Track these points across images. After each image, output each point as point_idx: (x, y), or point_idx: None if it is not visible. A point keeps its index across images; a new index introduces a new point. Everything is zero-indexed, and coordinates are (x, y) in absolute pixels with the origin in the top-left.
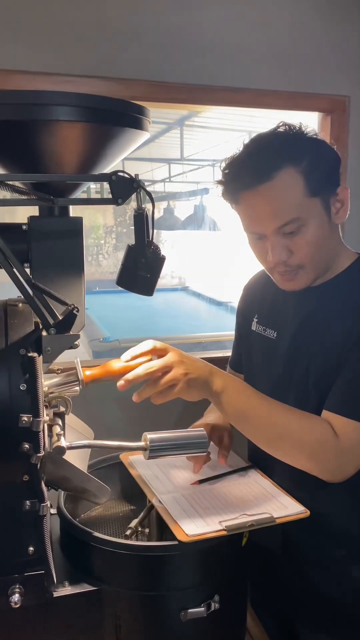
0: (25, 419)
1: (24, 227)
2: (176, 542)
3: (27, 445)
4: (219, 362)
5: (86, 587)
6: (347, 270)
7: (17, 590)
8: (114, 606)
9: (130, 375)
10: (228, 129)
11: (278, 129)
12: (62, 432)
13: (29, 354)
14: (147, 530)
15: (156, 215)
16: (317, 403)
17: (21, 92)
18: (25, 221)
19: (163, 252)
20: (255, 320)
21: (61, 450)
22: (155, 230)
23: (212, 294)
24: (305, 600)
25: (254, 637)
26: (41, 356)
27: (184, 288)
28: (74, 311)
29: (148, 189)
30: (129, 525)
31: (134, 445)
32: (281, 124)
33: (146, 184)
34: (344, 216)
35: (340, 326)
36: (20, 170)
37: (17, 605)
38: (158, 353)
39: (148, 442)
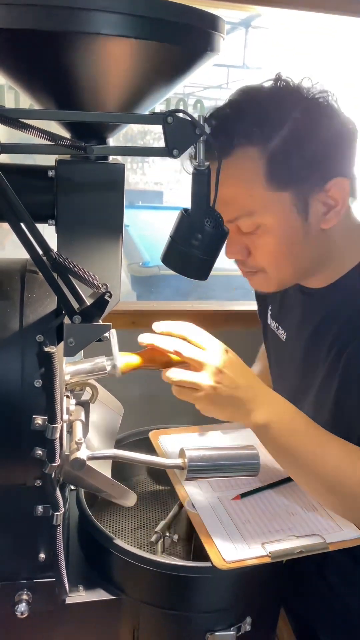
0: (39, 421)
1: (50, 173)
2: (209, 565)
3: (40, 452)
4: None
5: (103, 595)
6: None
7: (25, 597)
8: (133, 620)
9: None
10: (300, 35)
11: (265, 85)
12: (82, 439)
13: (47, 349)
14: (175, 536)
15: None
16: (333, 419)
17: None
18: (53, 165)
19: None
20: (269, 312)
21: (80, 464)
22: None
23: None
24: (334, 618)
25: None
26: (61, 346)
27: None
28: (106, 296)
29: (201, 94)
30: (155, 529)
31: (170, 463)
32: (276, 77)
33: (199, 88)
34: (334, 220)
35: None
36: (45, 102)
37: (24, 616)
38: (194, 344)
39: (186, 461)
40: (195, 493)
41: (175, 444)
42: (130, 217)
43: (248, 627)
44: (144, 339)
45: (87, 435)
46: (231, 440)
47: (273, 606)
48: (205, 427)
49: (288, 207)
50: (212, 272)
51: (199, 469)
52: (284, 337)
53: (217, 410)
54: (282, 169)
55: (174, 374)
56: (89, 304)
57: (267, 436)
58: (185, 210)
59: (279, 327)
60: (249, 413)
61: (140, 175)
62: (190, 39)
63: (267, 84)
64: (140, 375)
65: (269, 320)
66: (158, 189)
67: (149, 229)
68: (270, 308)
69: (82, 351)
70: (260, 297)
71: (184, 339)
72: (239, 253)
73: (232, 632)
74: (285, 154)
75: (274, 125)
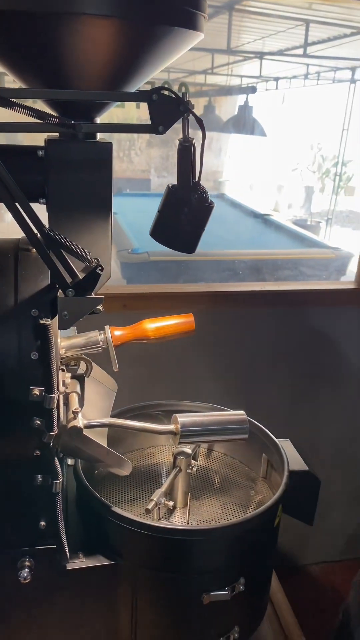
0: (37, 392)
1: (40, 152)
2: (203, 528)
3: (38, 421)
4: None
5: (102, 561)
6: None
7: (27, 563)
8: (131, 583)
9: None
10: (283, 17)
11: None
12: (79, 408)
13: (42, 321)
14: (171, 503)
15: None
16: None
17: None
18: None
19: None
20: None
21: (78, 432)
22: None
23: (250, 203)
24: None
25: (275, 604)
26: (56, 320)
27: (220, 195)
28: (98, 270)
29: (186, 80)
30: (152, 497)
31: (162, 429)
32: None
33: (184, 74)
34: None
35: None
36: (33, 82)
37: (27, 581)
38: None
39: (179, 427)
40: None
41: None
42: (119, 204)
43: (242, 587)
44: None
45: (83, 409)
46: None
47: (265, 568)
48: None
49: None
50: (213, 257)
51: (191, 434)
52: None
53: None
54: None
55: None
56: (81, 277)
57: None
58: (172, 185)
59: None
60: None
61: (127, 163)
62: (172, 18)
63: None
64: (134, 352)
65: None
66: (144, 177)
67: (136, 216)
68: None
69: (75, 327)
70: None
71: None
72: None
73: (227, 592)
74: None
75: None
